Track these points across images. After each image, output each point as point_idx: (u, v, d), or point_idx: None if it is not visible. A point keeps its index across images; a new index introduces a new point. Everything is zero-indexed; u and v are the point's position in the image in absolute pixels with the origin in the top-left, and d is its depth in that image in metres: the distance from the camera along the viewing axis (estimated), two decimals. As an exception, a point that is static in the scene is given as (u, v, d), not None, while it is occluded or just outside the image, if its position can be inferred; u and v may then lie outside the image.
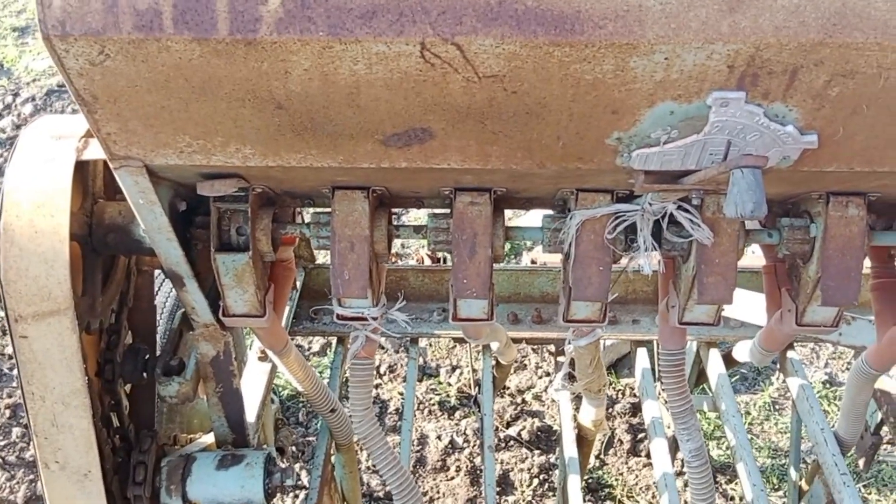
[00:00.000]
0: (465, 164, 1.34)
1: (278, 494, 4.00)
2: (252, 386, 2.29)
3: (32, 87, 8.08)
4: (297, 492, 4.06)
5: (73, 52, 1.13)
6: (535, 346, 4.96)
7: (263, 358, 2.39)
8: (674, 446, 3.20)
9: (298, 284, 2.86)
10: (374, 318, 1.74)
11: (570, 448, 2.45)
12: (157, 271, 2.05)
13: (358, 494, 2.86)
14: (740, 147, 1.26)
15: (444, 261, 3.07)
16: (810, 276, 1.64)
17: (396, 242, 5.74)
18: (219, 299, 1.70)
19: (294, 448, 4.29)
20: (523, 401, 4.69)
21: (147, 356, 1.86)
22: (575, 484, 2.34)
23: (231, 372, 1.84)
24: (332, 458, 2.62)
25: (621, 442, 4.40)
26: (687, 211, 1.52)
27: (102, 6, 1.09)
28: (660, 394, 2.99)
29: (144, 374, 1.84)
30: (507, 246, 5.42)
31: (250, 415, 2.08)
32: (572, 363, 2.35)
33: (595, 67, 1.13)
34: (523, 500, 4.06)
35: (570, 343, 2.13)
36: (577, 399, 2.72)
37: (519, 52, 1.11)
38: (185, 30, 1.10)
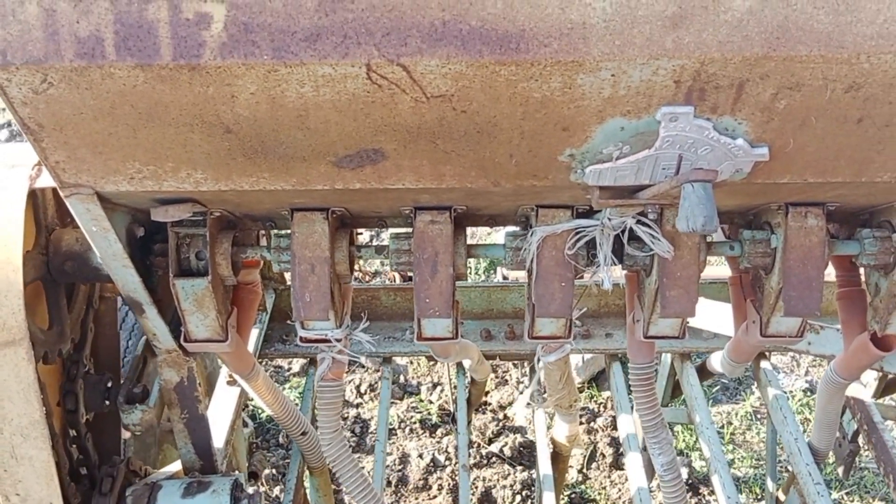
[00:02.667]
0: (420, 184, 1.33)
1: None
2: (221, 411, 2.27)
3: (6, 113, 8.03)
4: (277, 515, 4.02)
5: (16, 82, 1.12)
6: (516, 362, 4.95)
7: (232, 382, 2.37)
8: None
9: (269, 306, 2.84)
10: (338, 340, 1.72)
11: (544, 465, 2.44)
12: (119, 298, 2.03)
13: (333, 517, 2.84)
14: (692, 161, 1.26)
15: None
16: (773, 287, 1.64)
17: (367, 269, 5.73)
18: (181, 325, 1.68)
19: (274, 471, 4.25)
20: (505, 416, 4.67)
21: (110, 384, 1.84)
22: (549, 501, 2.32)
23: (196, 398, 1.82)
24: (306, 481, 2.59)
25: (603, 455, 4.39)
26: (646, 225, 1.52)
27: (43, 34, 1.08)
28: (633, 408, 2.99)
29: (107, 402, 1.82)
30: (485, 263, 5.42)
31: (218, 440, 2.06)
32: (539, 382, 2.34)
33: (542, 85, 1.13)
34: (506, 518, 4.03)
35: (539, 360, 2.12)
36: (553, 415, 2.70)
37: (465, 71, 1.11)
38: (127, 56, 1.09)
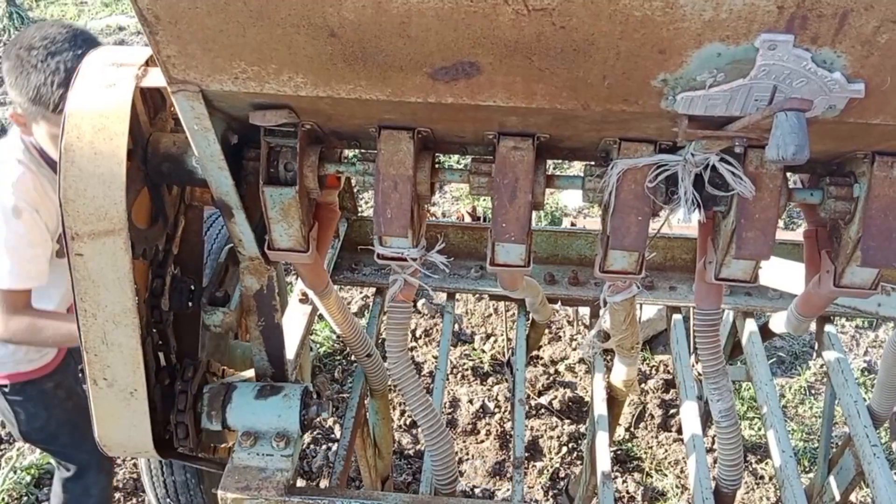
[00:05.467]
0: (511, 102, 1.36)
1: (311, 446, 4.09)
2: (292, 326, 2.36)
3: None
4: (330, 444, 4.15)
5: (139, -29, 1.17)
6: (570, 319, 4.98)
7: (304, 300, 2.45)
8: (705, 417, 3.20)
9: (341, 234, 2.91)
10: (414, 259, 1.77)
11: (600, 406, 2.48)
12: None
13: (389, 441, 2.92)
14: (786, 93, 1.26)
15: (485, 219, 3.10)
16: (851, 237, 1.64)
17: (437, 211, 5.78)
18: (265, 234, 1.75)
19: (330, 403, 4.39)
20: (556, 371, 4.72)
21: (193, 287, 1.93)
22: (603, 440, 2.36)
23: (273, 306, 1.90)
24: (366, 403, 2.68)
25: (652, 416, 4.42)
26: (729, 163, 1.53)
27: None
28: (693, 364, 3.00)
29: (190, 304, 1.91)
30: (547, 218, 5.43)
31: (289, 352, 2.14)
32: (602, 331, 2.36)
33: (644, 3, 1.15)
34: (551, 467, 4.10)
35: (604, 301, 2.15)
36: (610, 362, 2.73)
37: (569, -16, 1.13)
38: (245, -49, 1.14)
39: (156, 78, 1.59)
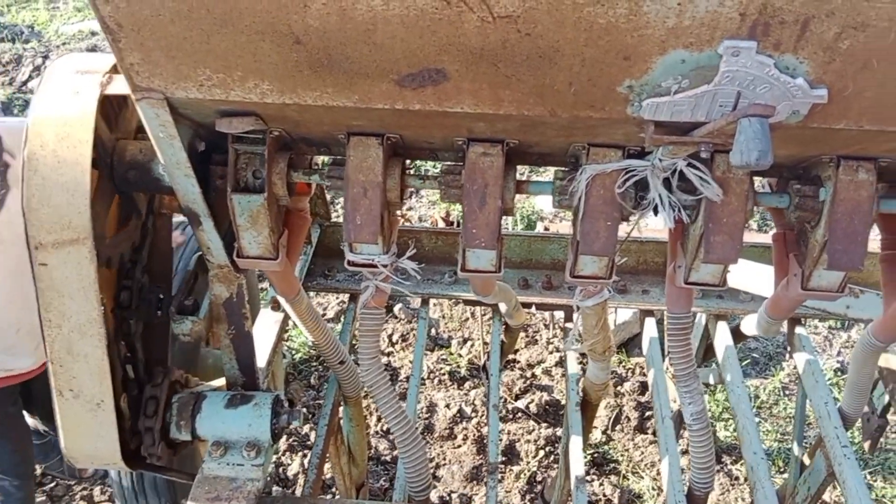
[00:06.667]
0: (478, 109, 1.36)
1: (287, 454, 4.07)
2: (264, 333, 2.34)
3: (62, 50, 8.16)
4: (306, 451, 4.13)
5: (100, -22, 1.16)
6: (547, 323, 4.99)
7: (276, 307, 2.44)
8: (678, 421, 3.22)
9: (314, 240, 2.89)
10: (385, 266, 1.77)
11: (573, 410, 2.48)
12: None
13: (364, 449, 2.91)
14: (750, 99, 1.27)
15: (458, 224, 3.09)
16: (817, 240, 1.65)
17: (413, 216, 5.77)
18: (234, 242, 1.73)
19: (305, 409, 4.35)
20: (533, 375, 4.73)
21: (162, 295, 1.91)
22: (577, 445, 2.36)
23: (243, 315, 1.88)
24: (340, 411, 2.67)
25: (629, 419, 4.44)
26: (697, 168, 1.54)
27: (129, -67, 1.12)
28: (667, 368, 3.01)
29: (159, 312, 1.89)
30: (523, 222, 5.44)
31: (261, 360, 2.13)
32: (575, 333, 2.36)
33: (608, 10, 1.15)
34: (528, 470, 4.10)
35: (577, 305, 2.15)
36: (585, 365, 2.74)
37: (533, -9, 1.13)
38: (207, -42, 1.13)
39: (120, 85, 1.57)
